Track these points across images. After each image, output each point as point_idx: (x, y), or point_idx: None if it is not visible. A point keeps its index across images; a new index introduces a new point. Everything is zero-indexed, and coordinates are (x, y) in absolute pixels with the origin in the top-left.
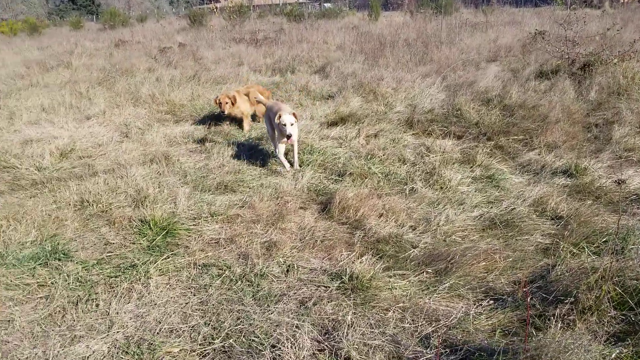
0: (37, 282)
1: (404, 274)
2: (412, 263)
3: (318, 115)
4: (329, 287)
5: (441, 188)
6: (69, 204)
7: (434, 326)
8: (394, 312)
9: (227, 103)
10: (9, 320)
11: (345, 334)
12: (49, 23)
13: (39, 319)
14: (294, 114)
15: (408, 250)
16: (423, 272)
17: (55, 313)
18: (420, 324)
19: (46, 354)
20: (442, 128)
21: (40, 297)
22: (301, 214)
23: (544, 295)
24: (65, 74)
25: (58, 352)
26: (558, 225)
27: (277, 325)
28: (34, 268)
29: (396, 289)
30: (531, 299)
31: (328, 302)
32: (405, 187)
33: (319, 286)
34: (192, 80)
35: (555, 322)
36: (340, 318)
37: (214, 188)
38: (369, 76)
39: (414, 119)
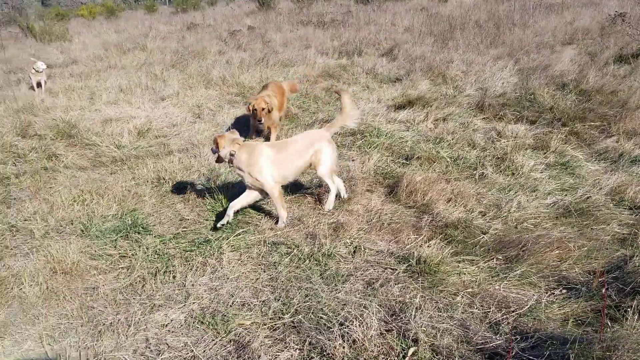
0: (119, 253)
1: (473, 260)
2: (481, 249)
3: (385, 98)
4: (396, 270)
5: (512, 174)
6: (147, 181)
7: (504, 313)
8: (462, 297)
9: (263, 110)
10: (93, 288)
11: (413, 316)
12: (125, 7)
13: (121, 287)
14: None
15: (477, 236)
16: (493, 259)
17: (136, 283)
18: (489, 310)
19: (128, 320)
20: (514, 112)
21: (122, 267)
22: (368, 197)
23: (621, 286)
24: (141, 56)
25: (139, 319)
26: (637, 215)
27: (344, 304)
28: (116, 240)
29: (465, 274)
30: (607, 289)
31: (395, 284)
32: (474, 172)
33: (385, 268)
34: (261, 63)
35: (633, 313)
36: (407, 300)
37: None
38: (438, 59)
39: (484, 102)
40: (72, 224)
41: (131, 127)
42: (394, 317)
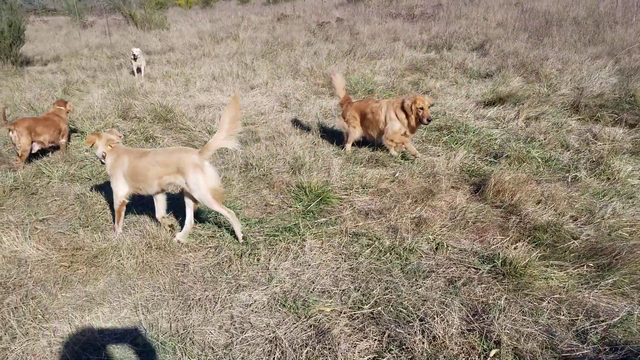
0: (208, 234)
1: (562, 265)
2: (571, 255)
3: (474, 94)
4: (479, 270)
5: (608, 179)
6: (235, 166)
7: (593, 322)
8: (549, 302)
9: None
10: (184, 264)
11: (496, 317)
12: None
13: (209, 265)
14: None
15: (567, 240)
16: (583, 266)
17: (223, 262)
18: (577, 317)
19: (215, 297)
20: (612, 114)
21: (210, 247)
22: (452, 194)
23: None
24: (233, 46)
25: (225, 297)
26: None
27: (425, 300)
28: (206, 221)
29: (552, 279)
30: None
31: (478, 284)
32: (567, 174)
33: (468, 267)
34: (348, 55)
35: None
36: (490, 301)
37: (365, 161)
38: (532, 55)
39: (580, 103)
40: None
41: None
42: (476, 317)
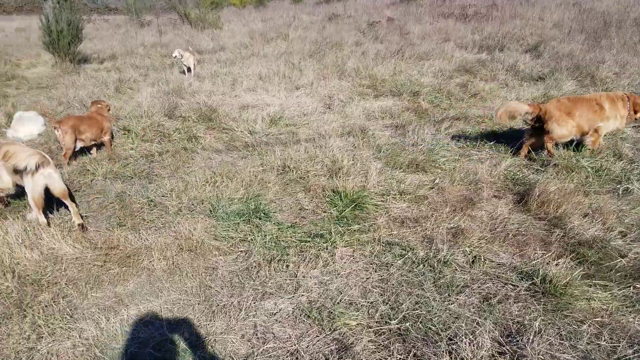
0: (240, 237)
1: (606, 285)
2: (617, 274)
3: (524, 97)
4: (517, 287)
5: None
6: (273, 168)
7: (636, 350)
8: (589, 325)
9: None
10: (213, 268)
11: (530, 340)
12: None
13: (237, 270)
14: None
15: (614, 258)
16: (630, 286)
17: (252, 268)
18: (619, 344)
19: (240, 304)
20: None
21: (241, 251)
22: (494, 203)
23: None
24: (282, 46)
25: (250, 304)
26: None
27: (456, 317)
28: (238, 223)
29: (595, 300)
30: None
31: (514, 302)
32: (618, 186)
33: (505, 283)
34: (396, 55)
35: None
36: (526, 322)
37: (405, 166)
38: (588, 58)
39: None
40: (202, 203)
41: (265, 114)
42: (509, 338)
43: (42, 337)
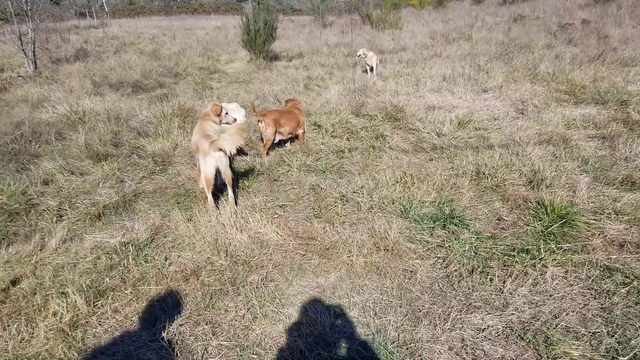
0: (436, 243)
1: None
2: None
3: None
4: None
5: None
6: (465, 173)
7: None
8: None
9: None
10: (411, 271)
11: None
12: None
13: (437, 277)
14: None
15: None
16: None
17: (452, 276)
18: None
19: (445, 314)
20: None
21: (438, 257)
22: None
23: None
24: (465, 47)
25: (455, 316)
26: None
27: None
28: (433, 228)
29: None
30: None
31: None
32: None
33: None
34: (596, 60)
35: None
36: None
37: (618, 182)
38: None
39: None
40: (393, 203)
41: (452, 116)
42: None
43: (257, 318)
